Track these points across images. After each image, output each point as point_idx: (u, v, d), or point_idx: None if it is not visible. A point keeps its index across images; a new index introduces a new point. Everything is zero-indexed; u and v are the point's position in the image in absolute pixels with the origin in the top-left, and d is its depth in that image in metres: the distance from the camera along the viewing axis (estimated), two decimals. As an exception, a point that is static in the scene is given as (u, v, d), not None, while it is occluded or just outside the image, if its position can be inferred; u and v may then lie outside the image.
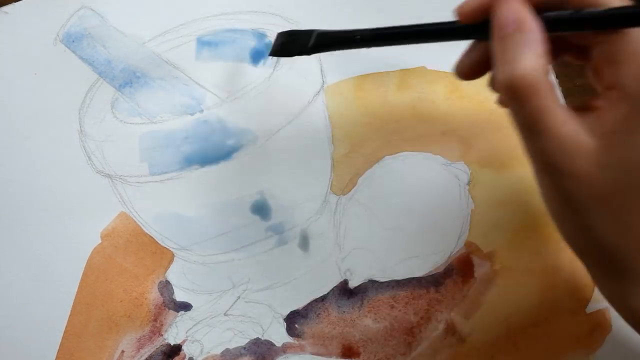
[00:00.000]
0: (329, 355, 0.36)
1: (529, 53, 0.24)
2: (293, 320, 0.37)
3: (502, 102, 0.30)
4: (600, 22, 0.24)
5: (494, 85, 0.29)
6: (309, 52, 0.32)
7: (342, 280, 0.37)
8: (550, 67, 0.24)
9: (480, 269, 0.37)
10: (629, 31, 0.24)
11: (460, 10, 0.27)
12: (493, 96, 0.36)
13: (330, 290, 0.37)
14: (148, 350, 0.36)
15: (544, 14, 0.25)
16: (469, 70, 0.29)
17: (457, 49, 0.38)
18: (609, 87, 0.25)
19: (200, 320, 0.36)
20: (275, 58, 0.38)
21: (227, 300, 0.37)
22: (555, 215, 0.26)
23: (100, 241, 0.37)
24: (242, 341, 0.36)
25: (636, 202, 0.24)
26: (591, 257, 0.26)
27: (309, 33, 0.32)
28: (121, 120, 0.37)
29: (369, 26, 0.38)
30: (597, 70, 0.26)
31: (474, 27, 0.27)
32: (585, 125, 0.24)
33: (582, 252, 0.27)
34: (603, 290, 0.27)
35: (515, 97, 0.24)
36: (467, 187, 0.38)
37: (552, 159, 0.24)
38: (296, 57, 0.38)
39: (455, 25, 0.28)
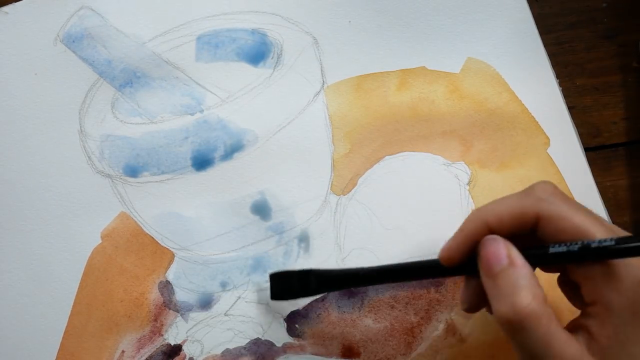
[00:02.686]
0: (329, 355, 0.36)
1: (526, 286, 0.25)
2: (293, 320, 0.37)
3: (467, 309, 0.31)
4: (594, 255, 0.26)
5: (465, 308, 0.31)
6: (313, 293, 0.35)
7: (342, 280, 0.37)
8: (544, 295, 0.26)
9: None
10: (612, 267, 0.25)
11: (443, 257, 0.29)
12: (493, 96, 0.36)
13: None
14: (148, 350, 0.36)
15: (526, 251, 0.27)
16: (474, 304, 0.30)
17: (458, 49, 0.38)
18: (592, 302, 0.26)
19: (201, 320, 0.36)
20: (275, 58, 0.38)
21: (227, 300, 0.37)
22: None
23: (100, 241, 0.37)
24: (243, 341, 0.36)
25: None
26: None
27: (305, 274, 0.34)
28: (121, 120, 0.37)
29: (370, 26, 0.38)
30: (576, 285, 0.27)
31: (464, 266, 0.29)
32: (582, 344, 0.25)
33: None
34: None
35: (521, 328, 0.25)
36: (467, 187, 0.38)
37: None
38: (296, 58, 0.38)
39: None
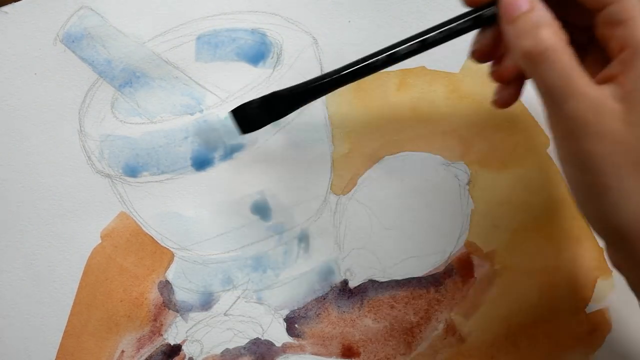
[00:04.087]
0: (329, 355, 0.36)
1: (548, 27, 0.25)
2: (293, 320, 0.37)
3: (499, 102, 0.30)
4: None
5: (495, 75, 0.29)
6: (283, 114, 0.32)
7: (342, 280, 0.37)
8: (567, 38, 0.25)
9: (480, 269, 0.37)
10: None
11: None
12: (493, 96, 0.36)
13: (330, 290, 0.37)
14: (148, 350, 0.36)
15: None
16: (485, 52, 0.29)
17: (457, 49, 0.38)
18: (620, 49, 0.25)
19: (200, 320, 0.36)
20: (275, 58, 0.38)
21: (227, 300, 0.37)
22: (583, 189, 0.26)
23: (100, 241, 0.37)
24: (242, 341, 0.36)
25: None
26: (621, 236, 0.25)
27: (268, 99, 0.32)
28: (121, 120, 0.37)
29: (370, 26, 0.38)
30: (604, 39, 0.26)
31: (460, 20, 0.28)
32: (608, 91, 0.24)
33: (612, 230, 0.26)
34: (621, 267, 0.27)
35: (542, 60, 0.24)
36: (467, 187, 0.38)
37: (584, 120, 0.24)
38: (296, 58, 0.38)
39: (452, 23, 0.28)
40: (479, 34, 0.29)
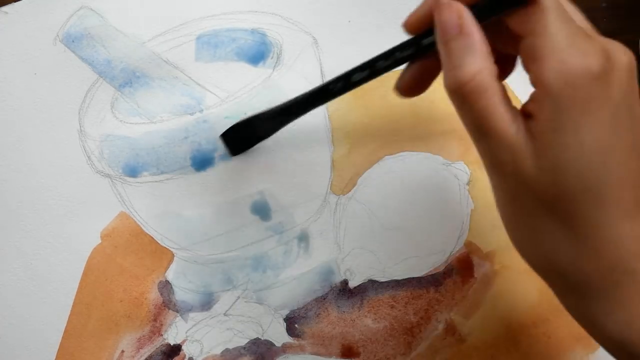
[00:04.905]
0: (329, 355, 0.36)
1: (474, 56, 0.24)
2: (293, 320, 0.37)
3: (401, 90, 0.30)
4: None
5: (399, 88, 0.29)
6: (269, 134, 0.35)
7: (342, 280, 0.37)
8: (495, 68, 0.24)
9: (480, 269, 0.37)
10: (548, 28, 0.23)
11: (406, 22, 0.27)
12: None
13: (330, 290, 0.37)
14: (148, 350, 0.36)
15: (474, 7, 0.25)
16: (409, 86, 0.29)
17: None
18: (534, 85, 0.24)
19: (200, 320, 0.36)
20: (275, 58, 0.38)
21: (227, 300, 0.37)
22: (506, 218, 0.26)
23: (100, 241, 0.37)
24: (242, 341, 0.36)
25: (581, 207, 0.23)
26: (544, 269, 0.26)
27: (250, 121, 0.35)
28: (121, 120, 0.37)
29: (369, 26, 0.38)
30: (526, 68, 0.25)
31: (415, 43, 0.28)
32: (524, 129, 0.24)
33: (534, 262, 0.26)
34: (567, 308, 0.27)
35: (462, 100, 0.24)
36: (467, 187, 0.38)
37: (500, 159, 0.24)
38: (296, 58, 0.38)
39: (402, 47, 0.28)
40: (406, 67, 0.29)
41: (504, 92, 0.24)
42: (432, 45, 0.26)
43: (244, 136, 0.36)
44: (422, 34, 0.27)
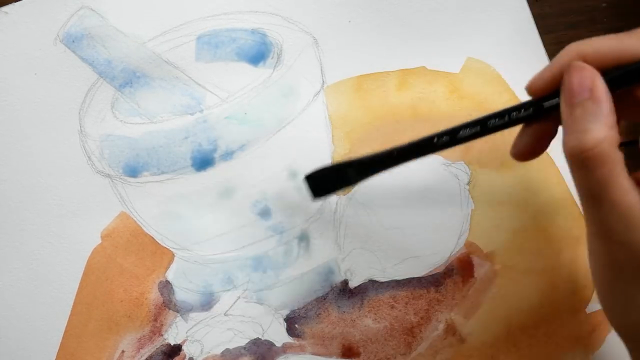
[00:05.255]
0: (329, 355, 0.36)
1: (600, 123, 0.24)
2: (293, 320, 0.37)
3: (517, 155, 0.30)
4: None
5: (515, 154, 0.30)
6: (353, 182, 0.33)
7: (342, 280, 0.37)
8: (619, 138, 0.25)
9: (480, 269, 0.37)
10: None
11: (530, 85, 0.27)
12: (493, 96, 0.36)
13: (330, 290, 0.37)
14: (148, 350, 0.36)
15: (606, 75, 0.25)
16: (526, 151, 0.29)
17: (457, 49, 0.38)
18: None
19: (200, 320, 0.36)
20: (275, 58, 0.38)
21: (227, 300, 0.37)
22: (602, 283, 0.27)
23: (100, 241, 0.37)
24: (242, 341, 0.36)
25: None
26: (632, 335, 0.26)
27: (341, 167, 0.32)
28: (121, 120, 0.37)
29: (369, 26, 0.38)
30: None
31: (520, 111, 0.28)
32: None
33: (624, 327, 0.27)
34: None
35: (584, 166, 0.24)
36: (467, 187, 0.38)
37: (612, 226, 0.24)
38: (296, 58, 0.38)
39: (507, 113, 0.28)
40: (521, 132, 0.29)
41: (623, 161, 0.24)
42: (553, 109, 0.26)
43: (329, 180, 0.33)
44: (545, 97, 0.27)
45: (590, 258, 0.27)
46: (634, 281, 0.25)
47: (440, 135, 0.29)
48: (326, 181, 0.33)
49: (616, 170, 0.24)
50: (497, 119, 0.28)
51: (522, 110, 0.28)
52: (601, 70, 0.25)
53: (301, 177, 0.37)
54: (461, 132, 0.29)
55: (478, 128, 0.28)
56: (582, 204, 0.26)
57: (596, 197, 0.25)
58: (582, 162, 0.24)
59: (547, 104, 0.27)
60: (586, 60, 0.26)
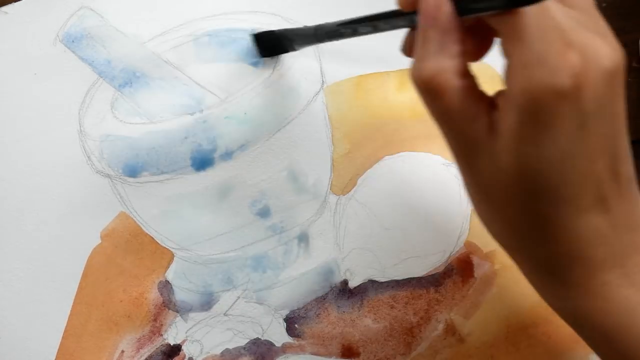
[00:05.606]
0: (329, 355, 0.36)
1: (439, 53, 0.24)
2: (293, 320, 0.37)
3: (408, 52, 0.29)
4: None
5: (403, 49, 0.29)
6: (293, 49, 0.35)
7: (342, 280, 0.37)
8: (463, 67, 0.24)
9: (480, 269, 0.37)
10: (523, 39, 0.23)
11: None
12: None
13: (330, 290, 0.37)
14: (148, 350, 0.36)
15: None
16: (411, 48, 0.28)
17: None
18: (505, 85, 0.24)
19: (200, 320, 0.36)
20: (275, 59, 0.38)
21: (227, 300, 0.37)
22: (473, 202, 0.27)
23: (100, 241, 0.37)
24: (242, 341, 0.36)
25: (540, 204, 0.24)
26: (513, 250, 0.28)
27: (284, 33, 0.35)
28: (121, 120, 0.37)
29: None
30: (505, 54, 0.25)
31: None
32: (491, 121, 0.24)
33: (505, 245, 0.28)
34: (531, 282, 0.28)
35: (423, 95, 0.25)
36: (467, 187, 0.38)
37: (462, 154, 0.25)
38: (296, 58, 0.38)
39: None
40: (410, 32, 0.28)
41: (468, 88, 0.24)
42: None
43: (274, 44, 0.36)
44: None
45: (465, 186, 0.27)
46: (502, 210, 0.26)
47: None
48: (272, 43, 0.36)
49: (456, 99, 0.24)
50: (383, 22, 0.28)
51: (393, 20, 0.27)
52: None
53: (301, 177, 0.37)
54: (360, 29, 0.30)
55: (370, 28, 0.29)
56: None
57: (442, 126, 0.25)
58: (422, 92, 0.24)
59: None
60: None
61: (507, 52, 0.24)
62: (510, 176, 0.24)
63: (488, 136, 0.24)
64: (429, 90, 0.24)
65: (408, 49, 0.28)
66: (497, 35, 0.25)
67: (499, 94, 0.25)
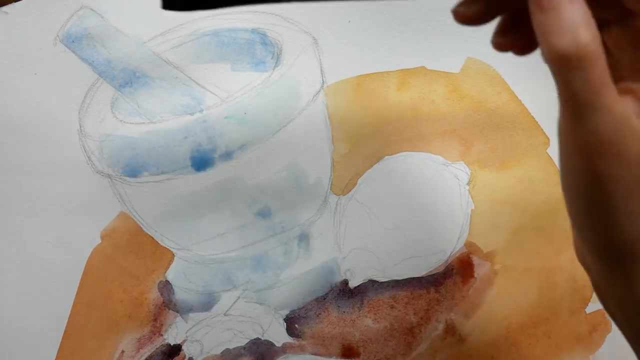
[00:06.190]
0: (329, 355, 0.36)
1: (587, 27, 0.23)
2: (293, 320, 0.37)
3: (497, 45, 0.28)
4: None
5: (496, 44, 0.28)
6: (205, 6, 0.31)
7: (342, 280, 0.37)
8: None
9: (480, 269, 0.37)
10: None
11: None
12: (493, 96, 0.36)
13: (330, 290, 0.37)
14: (148, 350, 0.36)
15: None
16: (468, 16, 0.27)
17: (457, 49, 0.38)
18: None
19: (200, 320, 0.36)
20: (274, 59, 0.38)
21: (227, 301, 0.37)
22: (585, 205, 0.25)
23: (100, 241, 0.37)
24: (242, 341, 0.36)
25: None
26: (617, 256, 0.25)
27: None
28: (121, 120, 0.37)
29: (370, 26, 0.38)
30: (635, 45, 0.25)
31: None
32: (632, 108, 0.23)
33: (608, 249, 0.26)
34: (605, 288, 0.27)
35: (576, 68, 0.23)
36: (467, 187, 0.38)
37: (606, 137, 0.23)
38: (296, 58, 0.38)
39: None
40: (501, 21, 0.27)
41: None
42: None
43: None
44: None
45: (568, 180, 0.25)
46: (630, 196, 0.24)
47: None
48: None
49: (608, 74, 0.23)
50: None
51: None
52: None
53: (301, 177, 0.37)
54: None
55: None
56: (567, 118, 0.24)
57: (590, 104, 0.23)
58: (576, 63, 0.23)
59: None
60: None
61: None
62: None
63: (636, 117, 0.23)
64: (585, 60, 0.22)
65: (475, 16, 0.26)
66: (629, 13, 0.24)
67: (634, 80, 0.24)
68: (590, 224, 0.26)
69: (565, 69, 0.23)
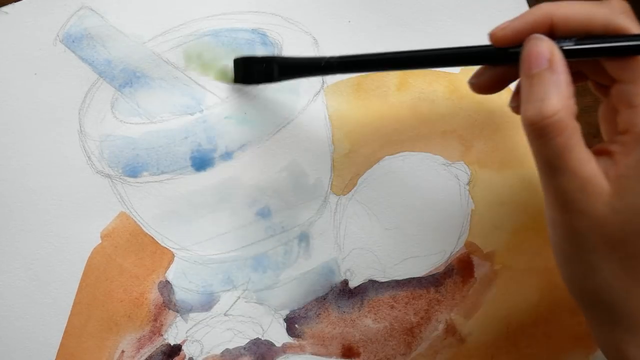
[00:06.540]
0: (329, 355, 0.36)
1: (558, 93, 0.24)
2: (293, 320, 0.37)
3: (476, 87, 0.31)
4: (611, 50, 0.25)
5: (474, 85, 0.31)
6: (275, 80, 0.35)
7: (342, 280, 0.37)
8: (576, 108, 0.25)
9: (480, 269, 0.37)
10: None
11: (495, 34, 0.28)
12: (493, 96, 0.36)
13: (330, 290, 0.37)
14: (148, 350, 0.36)
15: (561, 45, 0.26)
16: (485, 86, 0.30)
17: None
18: (623, 131, 0.25)
19: (200, 320, 0.36)
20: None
21: (227, 300, 0.37)
22: (561, 253, 0.27)
23: (100, 241, 0.37)
24: (242, 341, 0.36)
25: None
26: (590, 301, 0.27)
27: (269, 60, 0.35)
28: (121, 120, 0.37)
29: (369, 26, 0.38)
30: (612, 110, 0.26)
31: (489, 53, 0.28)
32: (602, 167, 0.25)
33: (582, 294, 0.27)
34: (597, 337, 0.28)
35: (542, 135, 0.25)
36: (467, 187, 0.38)
37: (571, 196, 0.25)
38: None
39: (467, 50, 0.29)
40: (484, 68, 0.30)
41: (580, 132, 0.25)
42: (515, 56, 0.27)
43: (254, 70, 0.35)
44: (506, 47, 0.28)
45: (550, 229, 0.27)
46: (594, 249, 0.25)
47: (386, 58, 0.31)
48: (252, 69, 0.35)
49: (574, 139, 0.24)
50: (463, 58, 0.30)
51: (486, 54, 0.29)
52: (565, 35, 0.26)
53: (301, 177, 0.37)
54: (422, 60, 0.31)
55: (434, 58, 0.30)
56: (541, 176, 0.26)
57: (555, 167, 0.25)
58: (540, 131, 0.24)
59: (511, 50, 0.27)
60: (553, 22, 0.26)
61: (632, 93, 0.25)
62: (621, 219, 0.24)
63: (602, 179, 0.24)
64: (549, 128, 0.24)
65: (488, 87, 0.30)
66: (612, 79, 0.26)
67: (611, 141, 0.25)
68: (564, 268, 0.28)
69: (532, 135, 0.25)
